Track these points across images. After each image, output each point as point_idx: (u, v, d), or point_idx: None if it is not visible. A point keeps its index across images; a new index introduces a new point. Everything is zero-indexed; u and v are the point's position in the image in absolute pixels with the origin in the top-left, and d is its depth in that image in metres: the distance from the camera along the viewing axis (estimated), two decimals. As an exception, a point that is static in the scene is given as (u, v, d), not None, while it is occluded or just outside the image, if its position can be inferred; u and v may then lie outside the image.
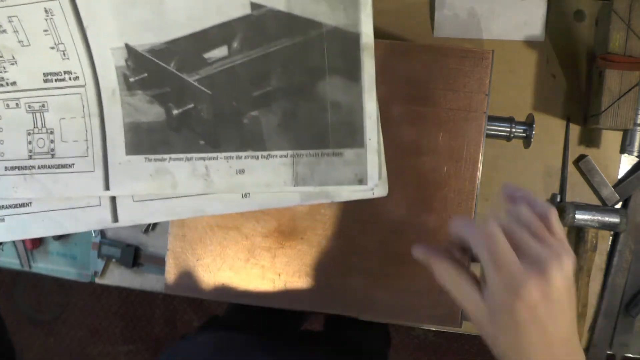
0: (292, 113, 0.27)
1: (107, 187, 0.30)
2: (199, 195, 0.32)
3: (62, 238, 0.65)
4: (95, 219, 0.31)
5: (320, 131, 0.28)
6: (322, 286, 0.50)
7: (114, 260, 0.62)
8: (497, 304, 0.30)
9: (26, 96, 0.29)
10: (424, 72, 0.49)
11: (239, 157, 0.29)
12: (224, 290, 0.51)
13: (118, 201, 0.31)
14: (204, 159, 0.29)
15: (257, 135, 0.28)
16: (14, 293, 1.47)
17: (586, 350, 0.60)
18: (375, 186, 0.28)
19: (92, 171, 0.30)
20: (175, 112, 0.27)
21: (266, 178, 0.29)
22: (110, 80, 0.28)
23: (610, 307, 0.58)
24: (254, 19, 0.25)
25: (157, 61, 0.26)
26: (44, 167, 0.30)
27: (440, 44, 0.59)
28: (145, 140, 0.29)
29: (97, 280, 0.63)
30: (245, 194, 0.31)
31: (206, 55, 0.26)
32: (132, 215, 0.31)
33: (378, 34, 0.35)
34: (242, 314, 0.80)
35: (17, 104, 0.29)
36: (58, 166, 0.30)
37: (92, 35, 0.27)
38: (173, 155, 0.29)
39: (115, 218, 0.31)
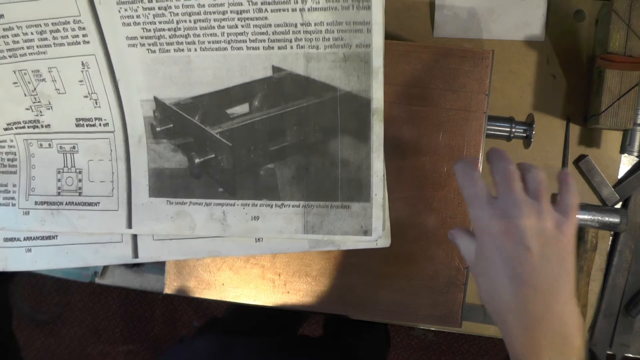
0: (305, 167, 0.30)
1: (129, 226, 0.32)
2: (215, 238, 0.34)
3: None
4: (116, 255, 0.33)
5: (331, 185, 0.30)
6: (322, 286, 0.50)
7: (114, 260, 0.62)
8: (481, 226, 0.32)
9: (58, 138, 0.31)
10: (424, 72, 0.49)
11: (254, 205, 0.31)
12: (224, 290, 0.51)
13: (139, 239, 0.33)
14: (221, 204, 0.31)
15: (272, 186, 0.30)
16: (14, 293, 1.47)
17: (587, 350, 0.60)
18: (379, 238, 0.30)
19: (116, 210, 0.32)
20: (197, 160, 0.30)
21: (279, 225, 0.31)
22: (137, 129, 0.30)
23: (610, 307, 0.59)
24: (275, 81, 0.27)
25: (182, 114, 0.28)
26: (71, 203, 0.32)
27: (440, 44, 0.59)
28: (167, 185, 0.31)
29: (97, 280, 0.63)
30: (259, 239, 0.33)
31: (228, 111, 0.28)
32: (151, 253, 0.34)
33: (378, 34, 0.35)
34: (241, 317, 0.80)
35: (49, 145, 0.31)
36: (84, 204, 0.32)
37: (123, 88, 0.29)
38: (193, 200, 0.31)
39: (135, 254, 0.34)
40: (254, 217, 0.31)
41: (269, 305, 0.51)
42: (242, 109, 0.28)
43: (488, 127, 0.50)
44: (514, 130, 0.52)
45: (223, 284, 0.50)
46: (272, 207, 0.31)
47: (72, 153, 0.31)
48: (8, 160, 0.32)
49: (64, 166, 0.32)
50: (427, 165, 0.49)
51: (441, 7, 0.59)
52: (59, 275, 0.66)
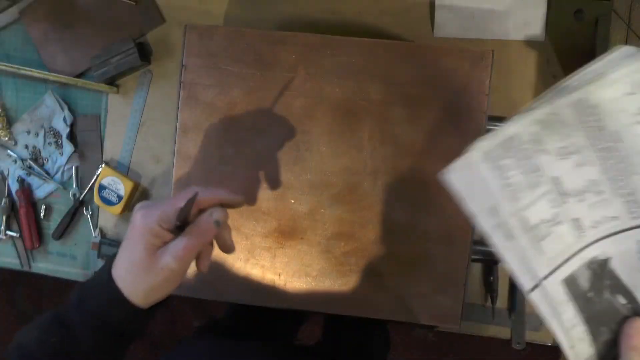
0: None
1: None
2: None
3: (62, 238, 0.65)
4: None
5: None
6: (322, 286, 0.50)
7: (114, 260, 0.62)
8: None
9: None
10: (424, 72, 0.49)
11: None
12: (224, 290, 0.51)
13: None
14: None
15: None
16: (14, 293, 1.47)
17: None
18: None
19: None
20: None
21: None
22: None
23: (610, 307, 0.58)
24: None
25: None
26: None
27: (440, 44, 0.59)
28: None
29: (97, 280, 0.63)
30: None
31: None
32: None
33: (378, 34, 0.35)
34: (240, 318, 0.79)
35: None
36: None
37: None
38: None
39: None
40: None
41: (269, 305, 0.51)
42: None
43: (488, 127, 0.50)
44: (514, 130, 0.52)
45: (223, 284, 0.50)
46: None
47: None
48: None
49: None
50: (427, 165, 0.49)
51: (441, 7, 0.59)
52: (59, 275, 0.66)
